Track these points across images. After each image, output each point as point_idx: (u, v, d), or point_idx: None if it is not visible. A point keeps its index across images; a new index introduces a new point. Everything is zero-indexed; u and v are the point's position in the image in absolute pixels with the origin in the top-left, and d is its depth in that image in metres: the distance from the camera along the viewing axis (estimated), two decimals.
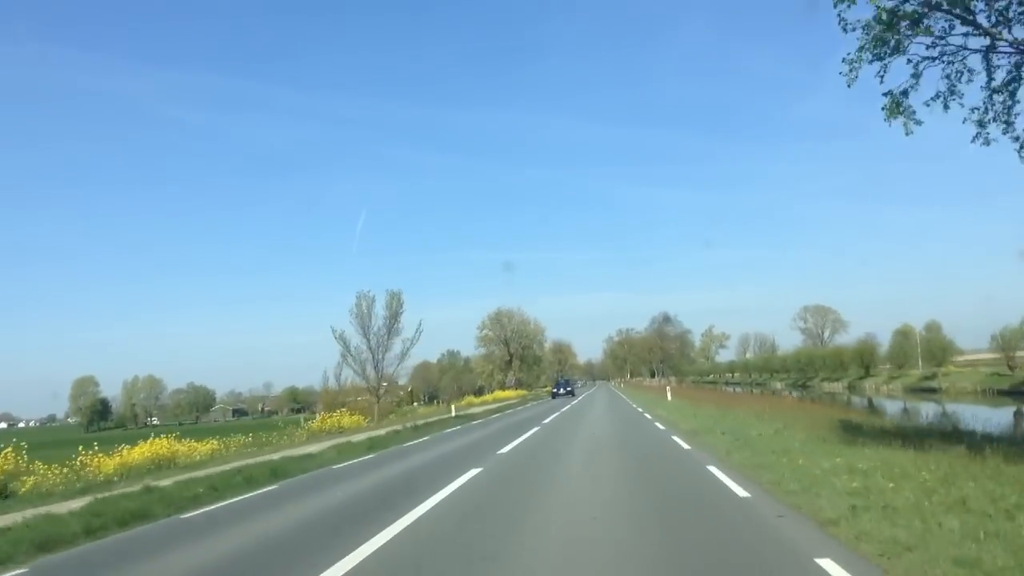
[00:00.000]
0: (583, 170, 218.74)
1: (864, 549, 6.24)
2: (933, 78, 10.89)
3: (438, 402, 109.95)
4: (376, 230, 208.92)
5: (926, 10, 9.90)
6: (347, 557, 7.05)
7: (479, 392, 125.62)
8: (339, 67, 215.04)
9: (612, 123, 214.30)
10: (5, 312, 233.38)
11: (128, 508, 10.98)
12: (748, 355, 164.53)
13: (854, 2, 10.32)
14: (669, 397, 37.03)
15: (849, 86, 10.93)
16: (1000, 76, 10.44)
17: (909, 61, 10.79)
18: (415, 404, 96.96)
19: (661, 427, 23.62)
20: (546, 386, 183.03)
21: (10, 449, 16.60)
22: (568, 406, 46.28)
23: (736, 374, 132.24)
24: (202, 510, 11.67)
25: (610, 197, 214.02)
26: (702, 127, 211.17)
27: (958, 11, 9.75)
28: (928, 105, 10.90)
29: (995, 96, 10.58)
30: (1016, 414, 36.27)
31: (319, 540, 8.21)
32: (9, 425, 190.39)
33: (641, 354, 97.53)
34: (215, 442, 23.92)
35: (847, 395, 62.13)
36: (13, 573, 7.72)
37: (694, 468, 12.47)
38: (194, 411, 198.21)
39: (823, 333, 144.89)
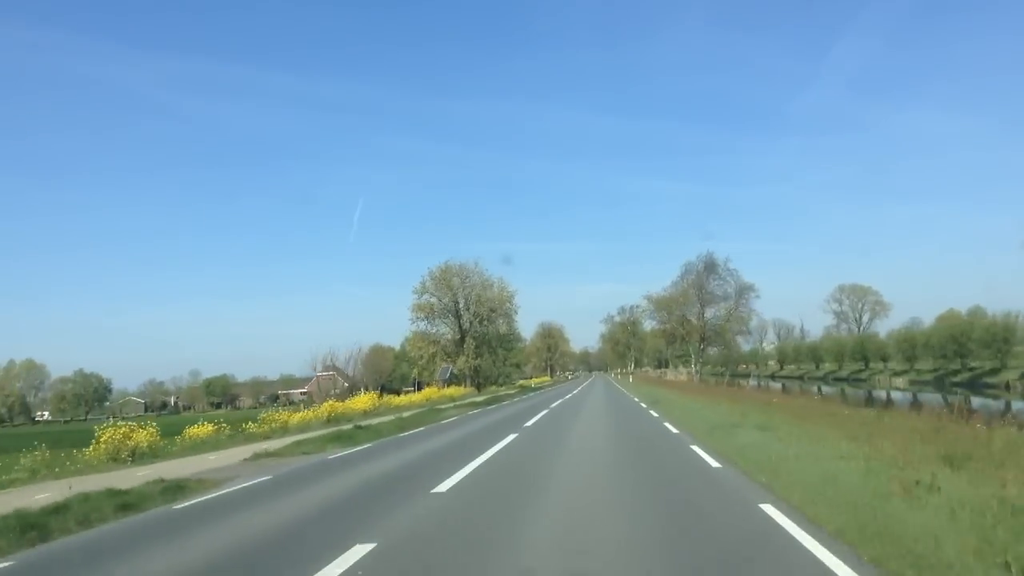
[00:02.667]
0: (582, 161, 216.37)
1: None
2: None
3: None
4: (373, 220, 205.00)
5: None
6: None
7: (414, 388, 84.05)
8: (336, 55, 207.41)
9: (611, 114, 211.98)
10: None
11: None
12: (763, 344, 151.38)
13: None
14: None
15: None
16: None
17: None
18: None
19: None
20: (530, 379, 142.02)
21: None
22: None
23: (789, 366, 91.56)
24: None
25: (609, 188, 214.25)
26: (701, 119, 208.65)
27: None
28: None
29: None
30: None
31: None
32: None
33: (671, 328, 56.92)
34: None
35: None
36: None
37: None
38: (83, 404, 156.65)
39: (861, 317, 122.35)
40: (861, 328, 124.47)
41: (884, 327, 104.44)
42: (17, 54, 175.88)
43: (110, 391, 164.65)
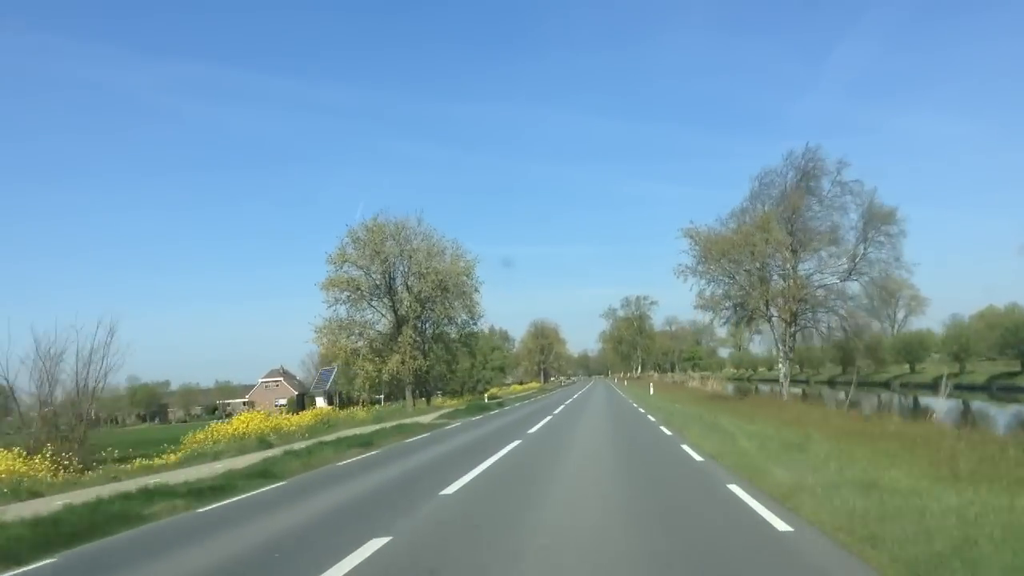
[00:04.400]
0: (582, 164, 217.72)
1: None
2: None
3: None
4: None
5: None
6: None
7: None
8: (338, 59, 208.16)
9: (612, 118, 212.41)
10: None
11: None
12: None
13: None
14: None
15: None
16: None
17: None
18: None
19: None
20: (510, 385, 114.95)
21: None
22: None
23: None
24: None
25: (609, 192, 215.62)
26: (702, 122, 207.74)
27: None
28: None
29: None
30: None
31: None
32: None
33: (737, 292, 30.06)
34: None
35: None
36: None
37: None
38: None
39: (895, 313, 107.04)
40: (895, 327, 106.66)
41: (922, 323, 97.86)
42: (18, 58, 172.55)
43: (16, 401, 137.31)
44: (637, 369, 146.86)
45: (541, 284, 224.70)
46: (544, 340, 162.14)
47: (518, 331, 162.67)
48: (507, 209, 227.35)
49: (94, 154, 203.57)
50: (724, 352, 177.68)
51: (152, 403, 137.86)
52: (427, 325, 64.02)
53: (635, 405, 33.21)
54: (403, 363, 57.04)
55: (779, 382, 29.86)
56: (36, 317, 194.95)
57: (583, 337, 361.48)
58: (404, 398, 65.09)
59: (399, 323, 59.23)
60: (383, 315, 60.46)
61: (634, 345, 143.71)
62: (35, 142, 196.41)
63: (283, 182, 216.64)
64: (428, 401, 62.16)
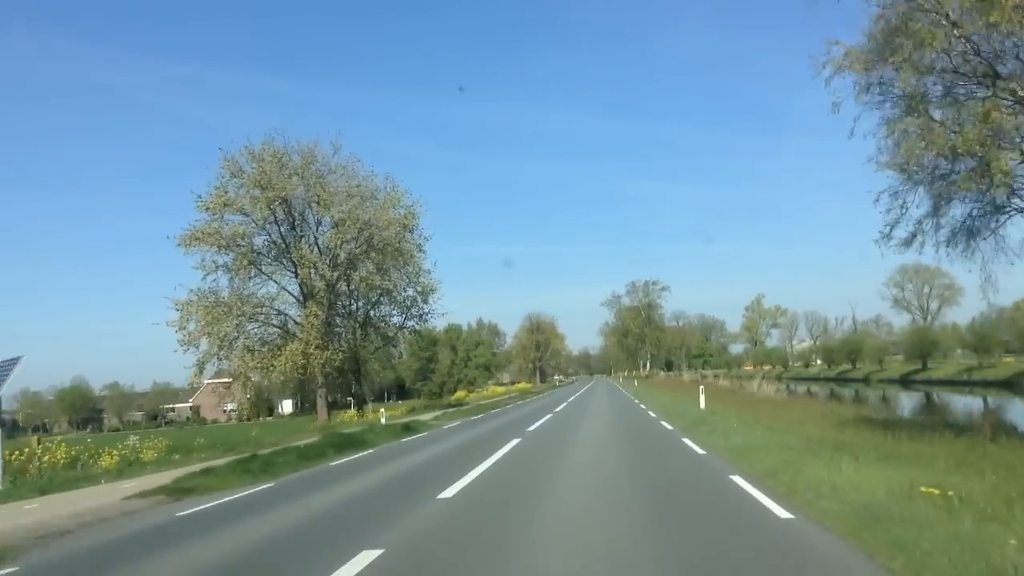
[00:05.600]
0: (583, 164, 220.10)
1: None
2: None
3: None
4: None
5: None
6: None
7: None
8: (338, 59, 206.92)
9: (612, 117, 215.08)
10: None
11: None
12: (795, 343, 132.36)
13: None
14: None
15: None
16: None
17: None
18: None
19: None
20: (487, 388, 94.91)
21: None
22: None
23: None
24: None
25: (610, 191, 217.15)
26: (702, 121, 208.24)
27: None
28: None
29: None
30: None
31: None
32: None
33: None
34: None
35: None
36: None
37: None
38: None
39: (927, 305, 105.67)
40: (928, 318, 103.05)
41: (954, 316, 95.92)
42: (23, 60, 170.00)
43: None
44: (645, 366, 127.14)
45: (541, 284, 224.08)
46: (540, 335, 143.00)
47: (515, 330, 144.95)
48: (507, 209, 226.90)
49: (95, 155, 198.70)
50: (737, 348, 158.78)
51: (84, 408, 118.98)
52: (358, 303, 44.58)
53: (745, 485, 13.04)
54: (306, 356, 37.38)
55: None
56: (39, 319, 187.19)
57: (584, 338, 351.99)
58: (350, 407, 46.26)
59: (304, 297, 39.63)
60: (282, 287, 40.95)
61: (642, 339, 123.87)
62: (35, 144, 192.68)
63: None
64: (360, 410, 42.53)
